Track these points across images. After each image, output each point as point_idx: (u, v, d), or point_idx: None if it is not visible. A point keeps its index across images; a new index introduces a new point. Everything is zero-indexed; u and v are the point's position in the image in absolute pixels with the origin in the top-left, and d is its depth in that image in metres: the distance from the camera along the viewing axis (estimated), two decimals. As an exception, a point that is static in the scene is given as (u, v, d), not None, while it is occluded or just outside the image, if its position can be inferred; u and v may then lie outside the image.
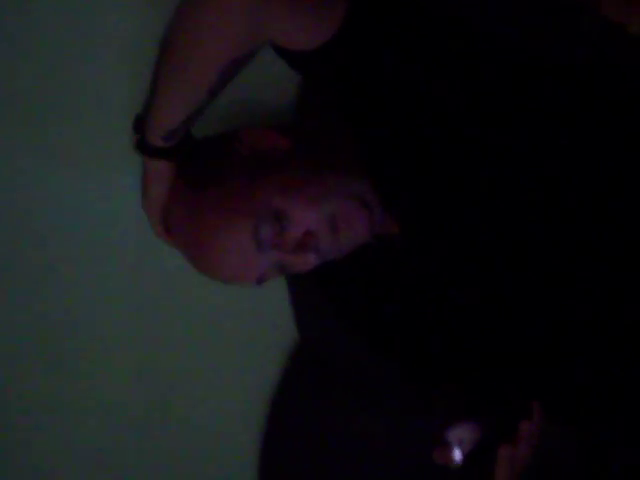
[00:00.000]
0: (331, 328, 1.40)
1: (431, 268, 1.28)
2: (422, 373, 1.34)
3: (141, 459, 1.52)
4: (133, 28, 1.23)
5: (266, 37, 1.07)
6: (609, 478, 1.26)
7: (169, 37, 1.08)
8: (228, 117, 1.31)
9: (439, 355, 1.33)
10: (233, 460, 1.56)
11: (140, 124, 1.15)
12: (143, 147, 1.15)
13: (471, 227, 1.18)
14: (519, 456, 1.13)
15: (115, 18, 1.26)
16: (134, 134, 1.16)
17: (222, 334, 1.51)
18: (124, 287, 1.44)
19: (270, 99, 1.34)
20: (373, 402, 1.42)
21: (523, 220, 1.16)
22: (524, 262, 1.17)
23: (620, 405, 1.19)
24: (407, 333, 1.34)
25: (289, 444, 1.51)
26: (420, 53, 1.12)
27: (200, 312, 1.49)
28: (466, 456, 1.12)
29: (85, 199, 1.34)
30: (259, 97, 1.33)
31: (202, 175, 1.19)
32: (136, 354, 1.48)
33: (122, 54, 1.26)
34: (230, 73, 1.08)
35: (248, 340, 1.52)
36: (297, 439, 1.50)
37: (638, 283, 1.15)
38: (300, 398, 1.50)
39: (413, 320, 1.33)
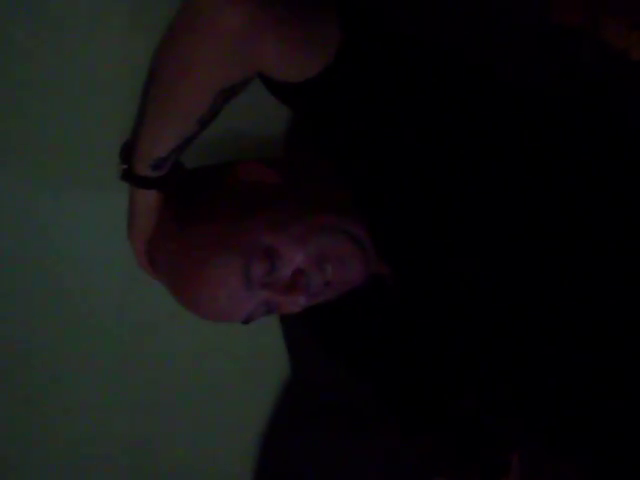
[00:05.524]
0: (323, 365, 1.37)
1: (422, 309, 1.25)
2: (411, 412, 1.31)
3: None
4: (118, 57, 1.21)
5: (258, 67, 1.05)
6: None
7: (157, 66, 1.05)
8: (218, 149, 1.29)
9: (429, 394, 1.31)
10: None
11: (127, 152, 1.12)
12: (130, 176, 1.12)
13: (463, 271, 1.16)
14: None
15: (100, 48, 1.27)
16: (120, 163, 1.13)
17: (214, 370, 1.50)
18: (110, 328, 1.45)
19: (261, 132, 1.33)
20: (362, 440, 1.41)
21: (514, 264, 1.14)
22: (515, 305, 1.15)
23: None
24: (397, 372, 1.32)
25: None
26: (413, 93, 1.10)
27: (190, 348, 1.48)
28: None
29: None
30: (250, 130, 1.32)
31: (192, 209, 1.16)
32: (126, 396, 1.48)
33: (108, 81, 1.26)
34: (221, 102, 1.06)
35: (239, 376, 1.50)
36: (288, 476, 1.48)
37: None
38: (291, 435, 1.49)
39: (403, 359, 1.31)
